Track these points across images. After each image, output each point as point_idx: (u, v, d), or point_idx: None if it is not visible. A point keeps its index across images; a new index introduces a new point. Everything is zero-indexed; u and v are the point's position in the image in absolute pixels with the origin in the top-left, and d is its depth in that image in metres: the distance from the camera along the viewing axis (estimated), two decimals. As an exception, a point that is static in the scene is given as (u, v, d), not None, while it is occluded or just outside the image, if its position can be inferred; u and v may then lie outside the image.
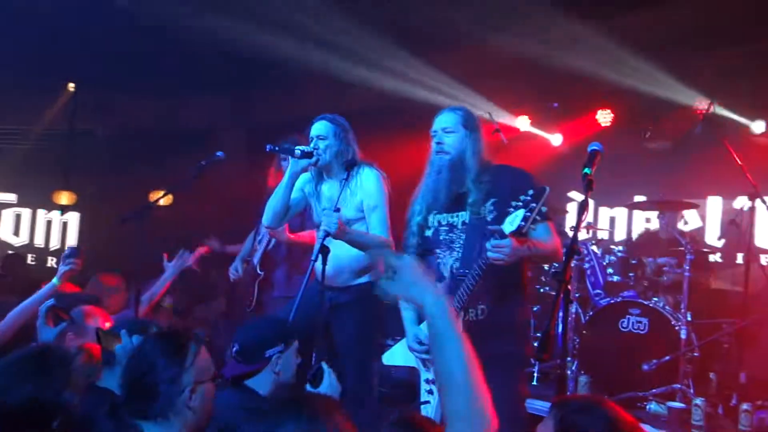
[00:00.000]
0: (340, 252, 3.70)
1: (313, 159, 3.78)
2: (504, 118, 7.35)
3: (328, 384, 2.58)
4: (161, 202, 7.03)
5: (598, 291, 5.62)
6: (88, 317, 3.21)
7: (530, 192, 2.64)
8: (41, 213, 10.84)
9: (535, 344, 5.47)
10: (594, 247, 5.96)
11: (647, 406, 4.73)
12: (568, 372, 5.06)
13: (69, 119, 9.93)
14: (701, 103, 6.20)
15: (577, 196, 7.55)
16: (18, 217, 10.88)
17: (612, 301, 5.24)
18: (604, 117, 7.23)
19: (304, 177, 4.00)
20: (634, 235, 6.95)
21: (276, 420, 1.56)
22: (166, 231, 6.98)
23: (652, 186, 6.66)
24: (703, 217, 6.78)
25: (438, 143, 3.17)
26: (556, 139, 7.68)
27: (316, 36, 6.97)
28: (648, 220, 7.10)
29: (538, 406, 4.30)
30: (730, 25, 6.14)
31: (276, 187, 3.95)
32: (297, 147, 3.79)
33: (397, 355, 3.37)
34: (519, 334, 3.12)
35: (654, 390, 4.78)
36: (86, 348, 2.92)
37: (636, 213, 7.23)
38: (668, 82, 6.42)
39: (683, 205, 5.78)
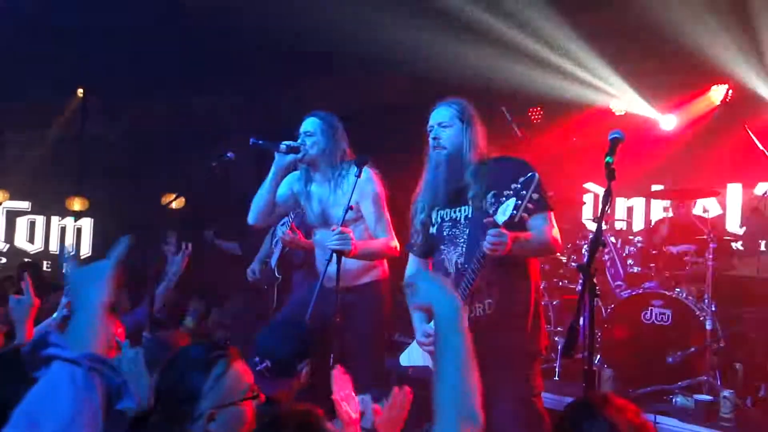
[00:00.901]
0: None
1: (299, 154, 3.72)
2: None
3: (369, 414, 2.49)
4: (173, 205, 7.07)
5: (619, 283, 5.52)
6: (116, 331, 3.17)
7: (520, 180, 2.59)
8: (55, 219, 10.85)
9: (556, 339, 5.43)
10: (612, 238, 5.85)
11: (673, 400, 4.62)
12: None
13: (79, 125, 9.94)
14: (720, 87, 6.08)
15: (593, 187, 7.45)
16: (32, 224, 10.91)
17: (633, 293, 5.14)
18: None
19: (293, 176, 3.95)
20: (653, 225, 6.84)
21: None
22: (179, 234, 6.98)
23: (669, 174, 6.55)
24: (723, 205, 6.65)
25: (434, 138, 3.12)
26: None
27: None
28: (666, 210, 6.99)
29: (559, 401, 4.22)
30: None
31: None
32: (283, 142, 3.73)
33: (415, 355, 3.31)
34: (531, 327, 3.04)
35: (680, 383, 4.67)
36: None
37: (654, 202, 7.12)
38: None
39: (702, 192, 5.66)
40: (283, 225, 4.86)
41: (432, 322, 3.13)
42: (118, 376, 1.47)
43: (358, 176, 3.54)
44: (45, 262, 10.24)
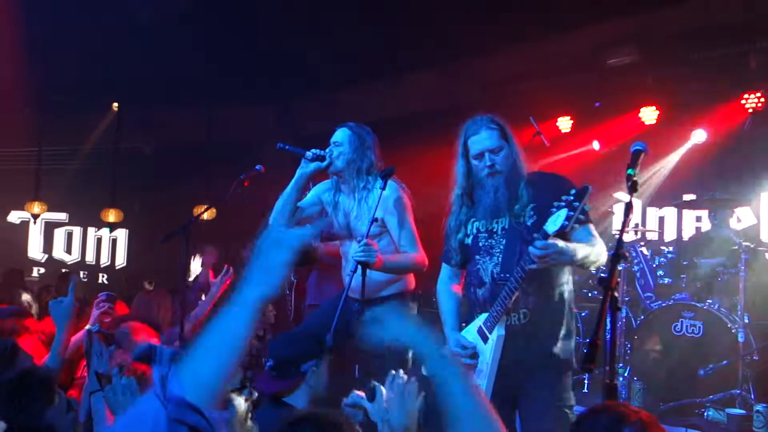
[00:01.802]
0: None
1: (325, 163, 3.76)
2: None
3: (381, 401, 2.52)
4: (204, 216, 7.18)
5: (649, 294, 5.45)
6: (135, 334, 3.23)
7: (573, 192, 2.59)
8: (91, 231, 11.09)
9: (585, 350, 5.38)
10: (643, 249, 5.79)
11: (705, 413, 4.55)
12: (620, 379, 4.91)
13: (114, 138, 10.15)
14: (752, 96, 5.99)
15: (623, 196, 7.36)
16: (69, 235, 11.16)
17: (664, 305, 5.08)
18: (649, 115, 7.03)
19: (324, 185, 3.99)
20: (685, 236, 6.74)
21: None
22: (211, 245, 7.08)
23: (701, 184, 6.46)
24: (757, 215, 6.53)
25: (490, 166, 3.09)
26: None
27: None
28: (698, 219, 6.88)
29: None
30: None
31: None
32: (311, 150, 3.78)
33: None
34: (564, 338, 3.03)
35: (712, 396, 4.60)
36: (134, 366, 2.94)
37: (686, 212, 7.02)
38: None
39: (735, 202, 5.57)
40: None
41: (467, 333, 3.15)
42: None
43: (383, 188, 3.56)
44: (82, 272, 10.48)
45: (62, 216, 11.15)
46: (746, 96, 6.32)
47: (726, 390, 4.58)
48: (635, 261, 5.56)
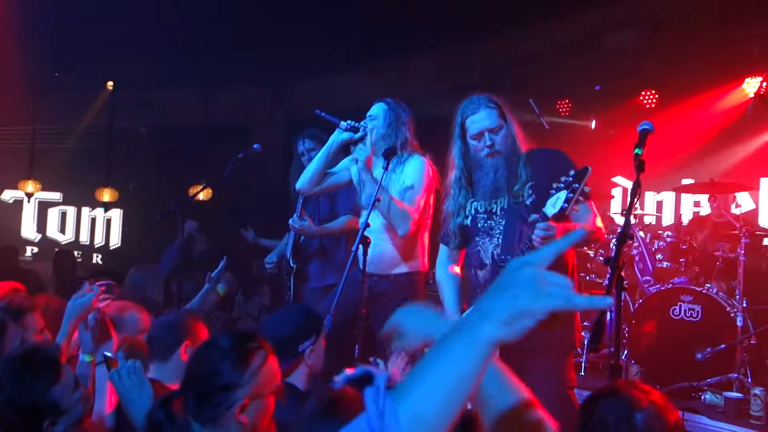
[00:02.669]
0: (381, 240, 3.70)
1: (358, 135, 3.77)
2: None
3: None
4: (200, 196, 7.14)
5: (648, 278, 5.44)
6: (122, 311, 3.20)
7: (572, 173, 2.56)
8: (85, 210, 11.02)
9: (584, 333, 5.38)
10: (641, 233, 5.77)
11: (702, 397, 4.55)
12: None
13: (109, 117, 10.06)
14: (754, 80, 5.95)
15: (622, 180, 7.36)
16: (63, 214, 11.09)
17: (662, 288, 5.07)
18: (649, 98, 7.00)
19: (352, 157, 3.99)
20: (684, 220, 6.73)
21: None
22: (205, 225, 7.04)
23: (700, 168, 6.45)
24: (755, 200, 6.53)
25: (489, 146, 3.07)
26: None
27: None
28: (697, 204, 6.88)
29: (585, 396, 4.16)
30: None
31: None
32: (346, 120, 3.82)
33: None
34: (565, 319, 3.02)
35: (709, 380, 4.59)
36: (127, 340, 2.93)
37: (684, 196, 7.01)
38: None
39: (734, 187, 5.55)
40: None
41: (465, 315, 3.13)
42: None
43: (386, 168, 3.55)
44: (76, 252, 10.41)
45: (56, 195, 11.06)
46: (748, 80, 6.29)
47: (723, 374, 4.58)
48: (634, 245, 5.54)
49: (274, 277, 5.72)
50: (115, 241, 10.93)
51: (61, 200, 11.07)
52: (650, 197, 7.28)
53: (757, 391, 4.26)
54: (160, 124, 10.16)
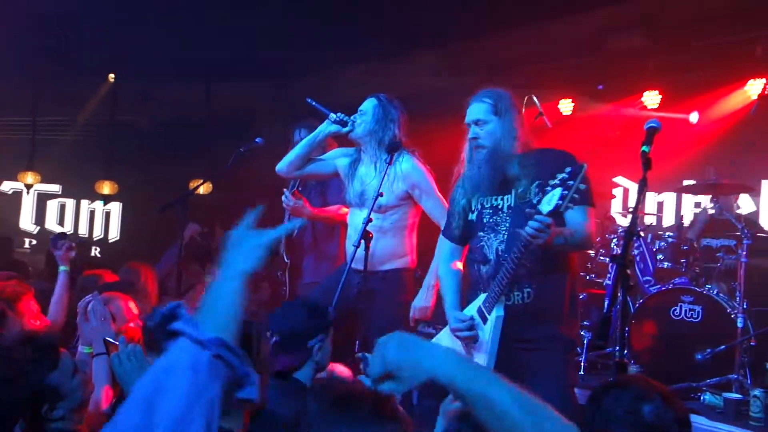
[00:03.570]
0: (376, 234, 3.68)
1: (346, 128, 3.80)
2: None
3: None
4: (200, 190, 7.11)
5: (648, 278, 5.43)
6: (108, 303, 3.20)
7: (568, 169, 2.55)
8: (85, 203, 10.99)
9: (583, 333, 5.36)
10: (641, 233, 5.76)
11: (702, 398, 4.54)
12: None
13: (110, 110, 10.03)
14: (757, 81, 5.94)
15: (623, 180, 7.35)
16: (62, 207, 11.06)
17: (663, 288, 5.06)
18: (652, 99, 6.98)
19: (342, 150, 4.03)
20: (686, 221, 6.72)
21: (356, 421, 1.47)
22: (206, 219, 7.02)
23: (701, 169, 6.43)
24: (757, 201, 6.52)
25: (473, 138, 3.08)
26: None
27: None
28: (698, 205, 6.87)
29: (585, 395, 4.16)
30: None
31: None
32: (336, 113, 3.87)
33: (444, 343, 3.28)
34: (568, 318, 3.02)
35: (709, 381, 4.58)
36: (123, 331, 2.93)
37: (685, 197, 7.00)
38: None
39: (736, 188, 5.54)
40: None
41: (466, 309, 3.12)
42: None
43: (389, 163, 3.56)
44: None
45: (55, 188, 11.03)
46: (751, 82, 6.28)
47: (723, 375, 4.57)
48: (635, 245, 5.53)
49: (271, 274, 5.70)
50: (114, 234, 10.90)
51: (60, 192, 11.04)
52: (651, 198, 7.27)
53: (756, 392, 4.25)
54: (160, 117, 10.13)
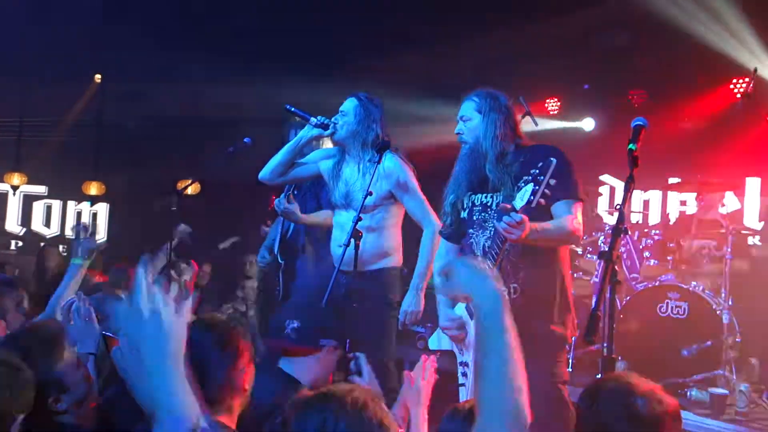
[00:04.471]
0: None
1: (328, 131, 3.77)
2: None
3: (368, 373, 2.53)
4: (189, 191, 7.10)
5: (635, 275, 5.49)
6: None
7: (540, 164, 2.59)
8: (71, 204, 10.92)
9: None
10: (628, 230, 5.81)
11: (688, 393, 4.61)
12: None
13: (97, 110, 9.98)
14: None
15: (609, 179, 7.41)
16: (48, 208, 10.98)
17: (649, 286, 5.12)
18: (637, 98, 7.05)
19: (324, 152, 4.00)
20: (671, 218, 6.79)
21: (321, 412, 1.52)
22: (194, 219, 7.01)
23: (686, 167, 6.50)
24: (741, 199, 6.59)
25: (457, 133, 3.18)
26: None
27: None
28: (683, 203, 6.94)
29: (572, 391, 4.21)
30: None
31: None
32: (317, 117, 3.81)
33: (444, 339, 3.30)
34: (557, 314, 3.03)
35: (695, 376, 4.65)
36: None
37: (671, 195, 7.07)
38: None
39: (720, 186, 5.61)
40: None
41: (456, 308, 3.15)
42: None
43: (378, 162, 3.55)
44: (61, 246, 10.32)
45: (41, 189, 10.96)
46: (735, 81, 6.36)
47: (709, 370, 4.64)
48: (622, 242, 5.59)
49: (262, 274, 5.70)
50: (101, 235, 10.84)
51: (46, 193, 10.97)
52: (637, 195, 7.32)
53: (741, 387, 4.32)
54: (148, 117, 10.09)
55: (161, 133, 9.74)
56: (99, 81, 9.75)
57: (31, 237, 10.80)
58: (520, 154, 3.07)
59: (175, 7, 6.96)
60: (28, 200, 10.93)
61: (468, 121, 3.14)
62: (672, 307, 4.89)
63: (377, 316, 3.77)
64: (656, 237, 5.58)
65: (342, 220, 3.82)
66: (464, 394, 3.03)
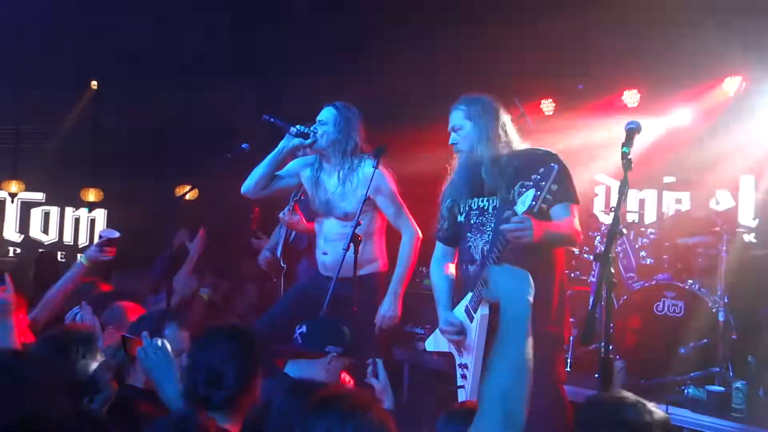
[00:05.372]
0: (342, 244, 3.66)
1: (308, 141, 3.79)
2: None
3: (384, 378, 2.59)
4: (187, 197, 7.11)
5: (631, 274, 5.53)
6: (128, 313, 3.24)
7: (541, 170, 2.63)
8: (69, 211, 10.93)
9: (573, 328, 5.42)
10: (624, 230, 5.83)
11: (685, 391, 4.64)
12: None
13: (93, 117, 9.99)
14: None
15: (605, 178, 7.44)
16: (46, 215, 11.00)
17: (646, 284, 5.16)
18: (631, 97, 7.08)
19: (304, 160, 4.03)
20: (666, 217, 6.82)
21: (321, 415, 1.55)
22: (192, 225, 7.03)
23: (681, 166, 6.53)
24: (735, 197, 6.63)
25: (452, 144, 3.25)
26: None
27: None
28: (678, 201, 6.97)
29: (571, 391, 4.24)
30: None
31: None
32: (296, 125, 3.80)
33: (441, 340, 3.33)
34: (553, 315, 3.08)
35: (692, 374, 4.69)
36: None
37: (666, 194, 7.10)
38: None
39: (715, 184, 5.64)
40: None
41: (456, 311, 3.18)
42: None
43: (376, 167, 3.59)
44: (60, 253, 10.33)
45: (39, 196, 10.97)
46: (728, 80, 6.40)
47: (706, 368, 4.68)
48: (618, 242, 5.62)
49: (261, 276, 5.73)
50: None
51: (44, 200, 10.98)
52: (633, 195, 7.36)
53: (738, 384, 4.36)
54: (144, 124, 10.09)
55: (158, 139, 9.74)
56: (95, 87, 9.75)
57: (29, 244, 10.81)
58: (515, 158, 3.11)
59: (169, 14, 6.97)
60: (26, 207, 10.94)
61: (460, 130, 3.20)
62: (668, 306, 4.93)
63: (363, 321, 3.79)
64: (652, 236, 5.62)
65: (324, 229, 3.87)
66: (463, 396, 3.07)
